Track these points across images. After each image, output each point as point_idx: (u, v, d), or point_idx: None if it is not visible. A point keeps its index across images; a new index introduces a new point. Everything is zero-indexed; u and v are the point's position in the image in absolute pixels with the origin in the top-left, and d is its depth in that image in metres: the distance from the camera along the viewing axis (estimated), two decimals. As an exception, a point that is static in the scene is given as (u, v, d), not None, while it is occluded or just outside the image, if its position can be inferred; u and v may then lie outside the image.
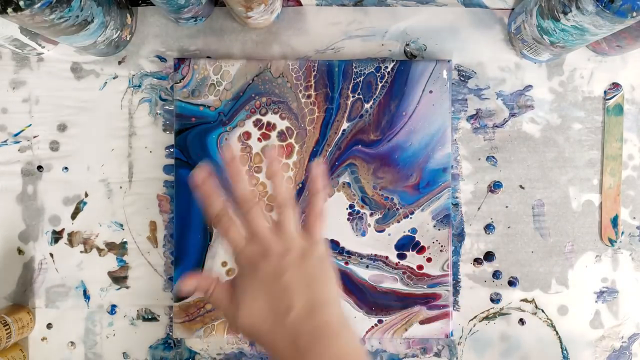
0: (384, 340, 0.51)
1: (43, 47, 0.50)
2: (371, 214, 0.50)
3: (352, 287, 0.50)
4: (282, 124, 0.50)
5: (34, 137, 0.52)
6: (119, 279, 0.51)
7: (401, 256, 0.50)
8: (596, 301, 0.52)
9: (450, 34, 0.52)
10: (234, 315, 0.36)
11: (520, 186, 0.52)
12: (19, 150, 0.52)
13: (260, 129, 0.50)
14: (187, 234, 0.50)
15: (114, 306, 0.51)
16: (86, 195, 0.52)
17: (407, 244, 0.50)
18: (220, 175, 0.50)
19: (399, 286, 0.50)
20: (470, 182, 0.52)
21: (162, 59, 0.52)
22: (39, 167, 0.52)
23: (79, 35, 0.44)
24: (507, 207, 0.52)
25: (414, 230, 0.50)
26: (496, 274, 0.51)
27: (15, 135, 0.52)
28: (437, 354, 0.51)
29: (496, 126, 0.52)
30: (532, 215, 0.52)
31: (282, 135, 0.50)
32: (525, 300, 0.52)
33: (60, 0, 0.37)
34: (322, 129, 0.50)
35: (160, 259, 0.51)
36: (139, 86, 0.52)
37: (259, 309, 0.35)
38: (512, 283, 0.51)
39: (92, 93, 0.52)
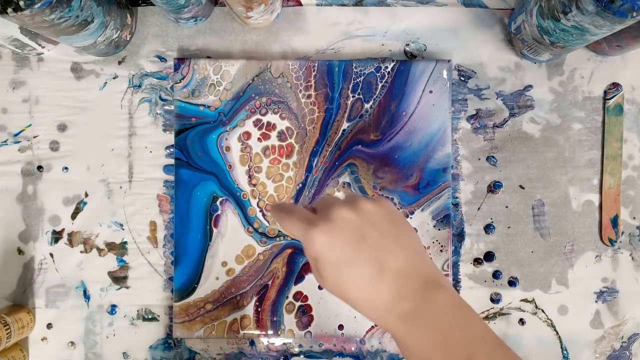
0: (384, 340, 0.51)
1: (43, 47, 0.50)
2: (371, 214, 0.50)
3: (352, 287, 0.50)
4: (282, 124, 0.50)
5: (34, 137, 0.52)
6: (119, 279, 0.51)
7: (401, 256, 0.50)
8: (596, 301, 0.52)
9: (450, 34, 0.52)
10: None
11: (520, 186, 0.52)
12: (19, 150, 0.52)
13: (260, 129, 0.50)
14: (187, 234, 0.50)
15: (114, 306, 0.51)
16: (86, 195, 0.52)
17: (407, 244, 0.50)
18: (223, 176, 0.50)
19: (399, 286, 0.50)
20: (470, 182, 0.52)
21: (162, 59, 0.52)
22: (39, 167, 0.52)
23: (79, 35, 0.44)
24: (507, 207, 0.52)
25: (414, 230, 0.50)
26: (496, 274, 0.51)
27: (15, 135, 0.52)
28: (437, 354, 0.51)
29: (496, 126, 0.52)
30: (532, 215, 0.52)
31: (282, 135, 0.50)
32: (525, 300, 0.52)
33: (60, 0, 0.37)
34: (322, 129, 0.50)
35: (160, 259, 0.51)
36: (139, 86, 0.52)
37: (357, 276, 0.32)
38: (512, 283, 0.51)
39: (92, 93, 0.52)
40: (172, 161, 0.51)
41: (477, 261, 0.52)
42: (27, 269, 0.51)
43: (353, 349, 0.51)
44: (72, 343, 0.51)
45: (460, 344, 0.30)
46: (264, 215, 0.50)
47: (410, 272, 0.32)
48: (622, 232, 0.52)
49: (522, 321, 0.51)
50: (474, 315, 0.32)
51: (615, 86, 0.52)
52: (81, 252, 0.51)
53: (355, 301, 0.33)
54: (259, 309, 0.50)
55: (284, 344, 0.51)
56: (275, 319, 0.50)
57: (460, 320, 0.31)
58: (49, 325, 0.51)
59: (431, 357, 0.31)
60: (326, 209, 0.33)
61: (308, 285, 0.50)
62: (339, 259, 0.32)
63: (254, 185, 0.50)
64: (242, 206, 0.50)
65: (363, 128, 0.50)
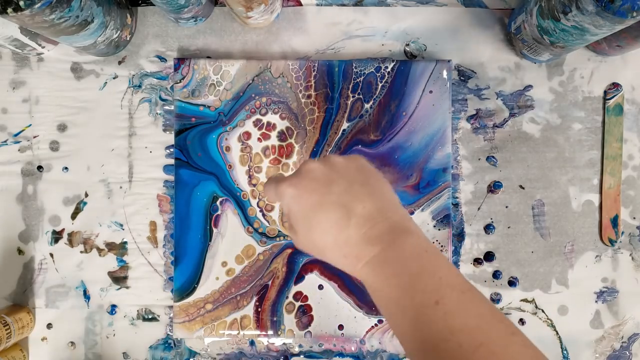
0: (384, 340, 0.51)
1: (43, 47, 0.50)
2: (371, 214, 0.50)
3: (352, 287, 0.50)
4: (282, 124, 0.50)
5: (34, 137, 0.52)
6: (119, 279, 0.51)
7: (401, 256, 0.50)
8: (596, 301, 0.52)
9: (450, 34, 0.52)
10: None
11: (520, 186, 0.52)
12: (19, 150, 0.52)
13: (260, 129, 0.50)
14: (187, 234, 0.50)
15: (114, 306, 0.51)
16: (86, 195, 0.52)
17: (407, 244, 0.50)
18: (223, 176, 0.50)
19: (399, 286, 0.50)
20: (470, 182, 0.52)
21: (162, 59, 0.52)
22: (39, 167, 0.52)
23: (79, 35, 0.44)
24: (507, 207, 0.52)
25: (414, 230, 0.50)
26: (496, 274, 0.51)
27: (15, 135, 0.52)
28: (437, 354, 0.51)
29: (496, 126, 0.52)
30: (532, 215, 0.52)
31: (282, 135, 0.50)
32: (525, 300, 0.52)
33: (60, 0, 0.37)
34: (322, 129, 0.50)
35: (160, 259, 0.51)
36: (139, 86, 0.52)
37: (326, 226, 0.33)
38: (512, 283, 0.51)
39: (92, 93, 0.52)
40: (172, 161, 0.51)
41: (477, 261, 0.52)
42: (27, 269, 0.51)
43: (353, 349, 0.51)
44: (72, 343, 0.51)
45: (428, 288, 0.30)
46: (264, 215, 0.50)
47: (377, 216, 0.32)
48: (622, 232, 0.52)
49: (522, 321, 0.51)
50: (443, 260, 0.31)
51: (615, 86, 0.52)
52: (81, 252, 0.51)
53: (325, 250, 0.33)
54: (259, 309, 0.50)
55: (284, 344, 0.51)
56: (275, 319, 0.50)
57: (427, 265, 0.31)
58: (49, 325, 0.51)
59: (399, 300, 0.30)
60: (299, 167, 0.34)
61: (308, 285, 0.50)
62: (306, 207, 0.32)
63: (254, 185, 0.50)
64: (242, 206, 0.50)
65: (363, 128, 0.50)
